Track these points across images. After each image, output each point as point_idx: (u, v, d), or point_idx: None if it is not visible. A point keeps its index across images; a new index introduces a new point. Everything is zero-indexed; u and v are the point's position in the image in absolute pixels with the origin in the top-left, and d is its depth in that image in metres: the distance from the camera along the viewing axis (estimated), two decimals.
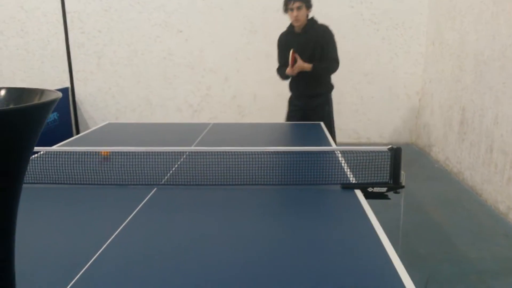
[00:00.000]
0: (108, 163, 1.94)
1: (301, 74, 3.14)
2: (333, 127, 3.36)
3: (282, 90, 5.36)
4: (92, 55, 5.41)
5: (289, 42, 3.20)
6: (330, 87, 3.41)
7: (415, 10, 5.05)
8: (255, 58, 5.28)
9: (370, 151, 1.71)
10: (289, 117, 3.46)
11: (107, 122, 3.16)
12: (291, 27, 3.24)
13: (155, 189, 1.71)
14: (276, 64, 3.44)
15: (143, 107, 5.55)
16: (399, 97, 5.31)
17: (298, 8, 3.02)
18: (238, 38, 5.27)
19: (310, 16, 3.21)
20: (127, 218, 1.44)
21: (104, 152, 2.03)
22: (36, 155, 2.05)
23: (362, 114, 5.40)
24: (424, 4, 5.02)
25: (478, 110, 3.73)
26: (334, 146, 2.14)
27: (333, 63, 3.21)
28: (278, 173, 1.80)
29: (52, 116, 5.10)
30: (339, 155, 1.97)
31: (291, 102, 3.48)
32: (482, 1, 3.68)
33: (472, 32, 3.86)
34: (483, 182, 3.60)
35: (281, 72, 3.32)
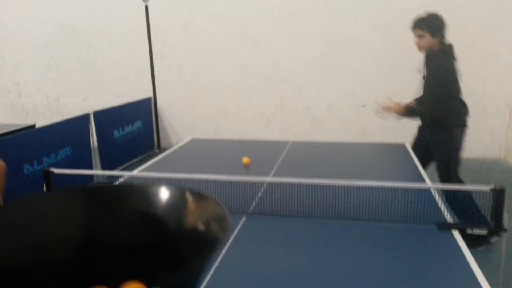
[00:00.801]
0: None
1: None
2: (451, 168, 2.82)
3: (358, 102, 5.26)
4: (173, 67, 5.67)
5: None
6: (455, 119, 2.84)
7: (507, 15, 4.68)
8: (331, 68, 5.21)
9: (470, 190, 1.62)
10: (413, 143, 3.03)
11: (190, 138, 3.29)
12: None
13: (244, 218, 1.75)
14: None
15: (219, 116, 5.71)
16: (487, 110, 4.95)
17: (420, 37, 2.77)
18: (314, 48, 5.23)
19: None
20: (223, 251, 1.49)
21: (245, 160, 2.49)
22: (123, 178, 2.18)
23: None
24: None
25: None
26: (427, 182, 2.04)
27: (425, 105, 2.81)
28: (368, 208, 1.76)
29: (136, 124, 5.42)
30: (434, 192, 1.88)
31: (418, 128, 3.07)
32: None
33: None
34: None
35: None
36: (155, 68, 5.72)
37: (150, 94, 5.80)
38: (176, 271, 0.77)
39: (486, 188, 1.58)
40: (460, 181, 2.84)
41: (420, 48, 2.84)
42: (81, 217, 0.83)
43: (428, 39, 2.78)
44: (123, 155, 5.12)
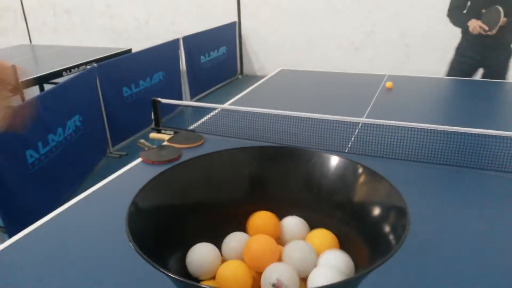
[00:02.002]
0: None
1: (485, 17, 2.68)
2: None
3: (458, 30, 4.78)
4: None
5: None
6: None
7: None
8: None
9: None
10: (453, 69, 2.98)
11: (279, 69, 3.25)
12: None
13: None
14: None
15: (304, 43, 5.54)
16: None
17: None
18: None
19: None
20: None
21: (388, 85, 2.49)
22: (214, 112, 2.24)
23: None
24: None
25: None
26: None
27: None
28: (478, 155, 1.66)
29: (221, 50, 5.46)
30: None
31: (460, 51, 2.98)
32: None
33: None
34: None
35: (458, 19, 2.85)
36: None
37: (235, 19, 5.73)
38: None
39: None
40: None
41: None
42: (253, 170, 0.93)
43: None
44: (209, 80, 5.25)
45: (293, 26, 5.51)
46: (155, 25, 6.34)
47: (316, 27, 5.40)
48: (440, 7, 4.67)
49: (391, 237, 0.70)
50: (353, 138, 1.90)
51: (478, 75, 3.01)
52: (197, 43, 4.91)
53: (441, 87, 2.77)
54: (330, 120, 1.90)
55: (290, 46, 5.63)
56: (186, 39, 4.70)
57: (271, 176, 0.92)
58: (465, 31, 2.96)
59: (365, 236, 0.78)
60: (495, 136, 1.63)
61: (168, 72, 4.36)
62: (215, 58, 5.33)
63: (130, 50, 4.59)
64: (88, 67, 3.43)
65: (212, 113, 2.26)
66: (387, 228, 0.73)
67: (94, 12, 6.75)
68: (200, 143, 1.87)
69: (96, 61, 4.11)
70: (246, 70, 6.05)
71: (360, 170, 0.86)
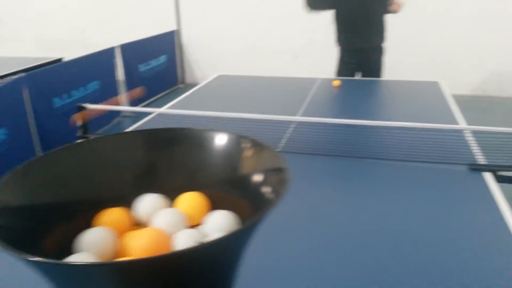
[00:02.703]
0: None
1: (355, 20, 2.81)
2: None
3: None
4: None
5: None
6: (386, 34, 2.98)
7: None
8: None
9: (503, 132, 1.56)
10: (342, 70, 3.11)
11: (217, 74, 3.24)
12: None
13: None
14: None
15: (246, 51, 5.58)
16: None
17: None
18: None
19: None
20: None
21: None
22: (152, 115, 2.20)
23: (480, 63, 4.86)
24: None
25: None
26: (461, 123, 1.98)
27: None
28: (398, 147, 1.73)
29: (161, 58, 5.38)
30: (467, 134, 1.83)
31: (340, 60, 3.11)
32: None
33: None
34: None
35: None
36: (179, 0, 5.55)
37: (175, 27, 5.68)
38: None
39: None
40: None
41: None
42: (135, 158, 0.88)
43: None
44: (149, 90, 5.14)
45: (234, 34, 5.54)
46: (93, 34, 6.14)
47: (257, 34, 5.47)
48: None
49: (273, 195, 0.74)
50: (287, 136, 1.92)
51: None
52: (135, 51, 4.81)
53: (373, 88, 2.88)
54: (263, 120, 1.91)
55: (232, 54, 5.65)
56: (124, 47, 4.58)
57: (159, 161, 0.89)
58: (341, 42, 3.08)
59: (252, 199, 0.80)
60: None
61: (104, 82, 4.22)
62: (155, 67, 5.24)
63: (60, 60, 4.40)
64: (15, 77, 3.24)
65: (146, 119, 2.20)
66: (268, 188, 0.77)
67: (26, 21, 6.43)
68: None
69: (24, 71, 3.89)
70: (188, 79, 5.99)
71: (243, 142, 0.88)
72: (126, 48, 4.61)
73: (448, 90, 2.56)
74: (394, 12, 2.77)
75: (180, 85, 5.91)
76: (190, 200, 0.84)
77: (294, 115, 2.25)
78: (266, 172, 0.80)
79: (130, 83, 4.73)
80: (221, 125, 1.96)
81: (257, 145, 0.84)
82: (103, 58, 4.27)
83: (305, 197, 1.45)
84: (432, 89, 2.67)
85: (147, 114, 2.25)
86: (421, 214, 1.33)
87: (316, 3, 2.93)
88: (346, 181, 1.58)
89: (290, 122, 2.02)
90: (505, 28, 4.65)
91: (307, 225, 1.29)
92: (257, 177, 0.81)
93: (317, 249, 1.17)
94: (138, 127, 2.09)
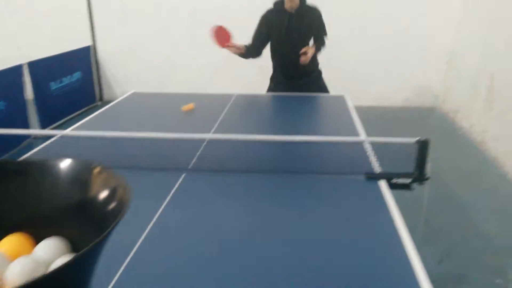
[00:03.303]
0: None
1: (288, 57, 2.99)
2: None
3: None
4: (115, 13, 5.34)
5: (280, 22, 2.94)
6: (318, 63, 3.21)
7: None
8: None
9: (397, 142, 1.72)
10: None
11: (132, 91, 3.18)
12: (279, 5, 2.96)
13: (184, 175, 1.76)
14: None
15: (165, 66, 5.53)
16: (426, 59, 5.15)
17: None
18: None
19: None
20: (161, 206, 1.51)
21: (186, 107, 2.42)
22: (54, 138, 2.11)
23: (387, 75, 5.27)
24: None
25: (509, 79, 3.61)
26: (362, 137, 2.13)
27: (323, 42, 3.07)
28: (303, 161, 1.83)
29: (75, 75, 5.15)
30: (366, 144, 1.97)
31: (276, 81, 3.26)
32: None
33: None
34: (507, 154, 3.56)
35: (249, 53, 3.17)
36: (94, 14, 5.37)
37: (90, 43, 5.48)
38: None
39: (412, 140, 1.69)
40: None
41: (293, 2, 2.85)
42: None
43: None
44: (62, 109, 4.89)
45: (154, 49, 5.47)
46: (1, 50, 5.71)
47: (177, 50, 5.44)
48: None
49: (113, 216, 0.77)
50: (198, 154, 1.94)
51: None
52: (46, 68, 4.56)
53: (285, 103, 3.00)
54: (173, 138, 1.91)
55: (153, 69, 5.57)
56: (33, 64, 4.32)
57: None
58: (278, 64, 3.21)
59: (94, 222, 0.82)
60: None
61: (10, 102, 3.94)
62: (69, 84, 5.00)
63: None
64: None
65: (50, 140, 2.10)
66: (110, 209, 0.80)
67: None
68: None
69: None
70: (106, 95, 5.79)
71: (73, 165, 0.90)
72: (35, 65, 4.35)
73: (351, 103, 2.75)
74: (303, 63, 2.90)
75: (98, 102, 5.70)
76: (10, 244, 0.85)
77: (209, 132, 2.28)
78: (107, 195, 0.83)
79: (40, 102, 4.46)
80: (132, 144, 1.93)
81: (97, 169, 0.87)
82: (9, 77, 3.99)
83: (208, 214, 1.47)
84: (338, 102, 2.85)
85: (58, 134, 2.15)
86: (321, 223, 1.41)
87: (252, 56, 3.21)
88: (250, 196, 1.63)
89: (202, 140, 2.04)
90: (411, 45, 5.10)
91: (205, 241, 1.31)
92: (98, 201, 0.83)
93: (213, 264, 1.20)
94: (40, 150, 1.98)
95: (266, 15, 3.05)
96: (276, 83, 3.25)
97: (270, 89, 3.30)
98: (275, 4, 3.01)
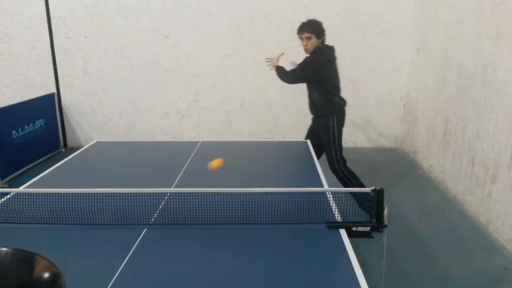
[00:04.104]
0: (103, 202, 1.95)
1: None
2: (331, 149, 3.32)
3: (269, 96, 5.41)
4: (78, 61, 5.36)
5: None
6: (330, 110, 3.35)
7: (401, 17, 5.11)
8: (243, 64, 5.30)
9: (355, 192, 1.77)
10: (309, 132, 3.54)
11: (95, 141, 3.16)
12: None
13: (146, 229, 1.75)
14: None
15: (131, 112, 5.53)
16: (384, 103, 5.39)
17: (307, 39, 3.17)
18: (226, 44, 5.27)
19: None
20: (122, 263, 1.48)
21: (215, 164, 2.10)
22: (11, 194, 2.06)
23: (348, 119, 5.44)
24: (410, 12, 5.08)
25: (460, 122, 3.82)
26: (325, 187, 2.18)
27: (289, 74, 3.31)
28: (265, 212, 1.85)
29: (38, 123, 5.06)
30: (326, 193, 2.02)
31: (312, 118, 3.58)
32: (464, 14, 3.75)
33: (456, 45, 3.93)
34: (465, 193, 3.71)
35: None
36: (57, 62, 5.36)
37: (53, 90, 5.43)
38: None
39: (368, 189, 1.75)
40: (344, 161, 3.36)
41: (307, 49, 3.23)
42: None
43: (314, 41, 3.20)
44: (24, 157, 4.76)
45: (118, 96, 5.48)
46: None
47: (142, 97, 5.47)
48: (250, 77, 5.29)
49: None
50: (160, 207, 1.93)
51: None
52: (7, 117, 4.46)
53: (249, 150, 3.05)
54: (135, 193, 1.90)
55: (118, 115, 5.55)
56: None
57: None
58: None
59: None
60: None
61: None
62: (31, 132, 4.90)
63: None
64: None
65: (5, 198, 2.03)
66: None
67: None
68: None
69: None
70: (71, 142, 5.69)
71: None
72: None
73: (312, 151, 2.82)
74: (271, 68, 3.32)
75: (62, 149, 5.59)
76: None
77: (173, 181, 2.28)
78: (40, 283, 0.82)
79: (1, 151, 4.34)
80: (92, 199, 1.90)
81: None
82: None
83: (170, 268, 1.46)
84: (302, 148, 2.92)
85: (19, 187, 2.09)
86: (285, 271, 1.42)
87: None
88: (212, 247, 1.62)
89: (164, 194, 2.04)
90: (368, 90, 5.34)
91: None
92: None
93: None
94: None
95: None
96: (312, 119, 3.55)
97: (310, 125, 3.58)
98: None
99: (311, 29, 3.17)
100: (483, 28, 3.43)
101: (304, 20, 3.29)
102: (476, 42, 3.55)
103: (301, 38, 3.22)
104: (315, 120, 3.47)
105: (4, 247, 0.83)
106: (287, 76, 3.29)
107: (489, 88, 3.32)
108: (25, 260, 0.82)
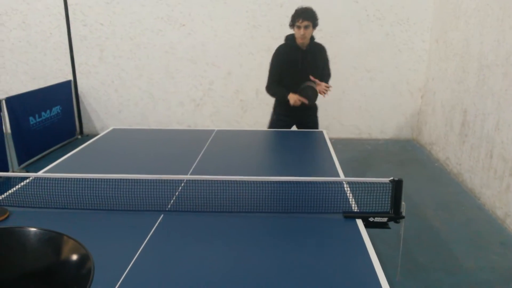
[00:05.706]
0: (113, 187, 1.96)
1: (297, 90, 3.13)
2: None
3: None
4: (94, 48, 5.39)
5: (293, 57, 3.11)
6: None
7: (421, 6, 5.00)
8: (258, 53, 5.26)
9: (373, 182, 1.75)
10: (272, 126, 3.35)
11: (111, 128, 3.18)
12: (291, 41, 3.10)
13: (162, 215, 1.76)
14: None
15: (146, 100, 5.56)
16: (401, 94, 5.31)
17: (306, 27, 2.97)
18: (241, 32, 5.23)
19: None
20: (139, 248, 1.49)
21: None
22: (29, 179, 2.09)
23: (364, 110, 5.41)
24: (430, 0, 4.97)
25: (480, 114, 3.75)
26: (341, 177, 2.16)
27: (328, 79, 3.34)
28: (281, 201, 1.84)
29: (55, 109, 5.12)
30: (343, 183, 2.01)
31: (277, 112, 3.35)
32: (488, 4, 3.65)
33: (477, 35, 3.84)
34: (482, 186, 3.65)
35: (278, 93, 3.21)
36: (74, 50, 5.40)
37: (70, 77, 5.48)
38: None
39: (386, 180, 1.73)
40: None
41: (305, 38, 3.04)
42: None
43: (311, 31, 3.04)
44: (41, 143, 4.83)
45: (133, 84, 5.50)
46: None
47: (157, 85, 5.49)
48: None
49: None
50: (176, 194, 1.93)
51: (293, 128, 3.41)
52: (24, 104, 4.52)
53: (264, 139, 3.04)
54: (152, 179, 1.91)
55: (133, 104, 5.58)
56: (10, 100, 4.29)
57: None
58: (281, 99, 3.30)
59: None
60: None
61: None
62: (48, 119, 4.96)
63: None
64: None
65: (23, 182, 2.07)
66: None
67: None
68: (3, 217, 1.68)
69: None
70: (87, 129, 5.76)
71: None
72: (14, 101, 4.32)
73: (328, 141, 2.80)
74: (322, 93, 3.09)
75: (78, 136, 5.65)
76: None
77: (189, 168, 2.28)
78: (68, 264, 0.82)
79: (19, 137, 4.41)
80: (110, 185, 1.91)
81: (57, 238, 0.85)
82: None
83: (187, 255, 1.46)
84: (318, 138, 2.90)
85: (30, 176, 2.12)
86: (301, 261, 1.42)
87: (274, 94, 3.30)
88: (229, 236, 1.62)
89: (181, 181, 2.04)
90: (386, 81, 5.27)
91: (184, 283, 1.30)
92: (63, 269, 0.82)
93: None
94: (13, 193, 1.95)
95: (281, 51, 3.18)
96: (279, 114, 3.33)
97: (273, 121, 3.38)
98: (287, 39, 3.16)
99: (312, 17, 3.00)
100: (506, 17, 3.34)
101: (301, 6, 3.06)
102: (498, 32, 3.46)
103: (298, 27, 2.97)
104: (299, 114, 3.31)
105: (32, 227, 0.84)
106: (329, 77, 3.36)
107: (511, 79, 3.24)
108: (53, 241, 0.83)
